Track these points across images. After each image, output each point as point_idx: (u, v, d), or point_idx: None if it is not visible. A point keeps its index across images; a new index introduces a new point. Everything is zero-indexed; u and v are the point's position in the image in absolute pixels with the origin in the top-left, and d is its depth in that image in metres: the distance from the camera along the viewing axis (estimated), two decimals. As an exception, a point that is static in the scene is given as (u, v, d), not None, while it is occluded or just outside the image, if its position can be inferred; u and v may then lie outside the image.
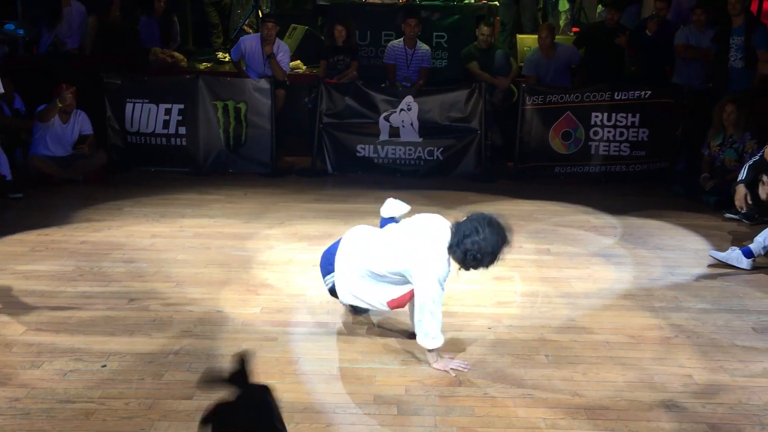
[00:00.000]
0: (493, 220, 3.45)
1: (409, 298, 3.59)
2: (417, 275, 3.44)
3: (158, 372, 3.44)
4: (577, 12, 10.24)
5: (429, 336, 3.47)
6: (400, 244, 3.54)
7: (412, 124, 7.60)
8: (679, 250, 5.48)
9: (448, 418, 3.14)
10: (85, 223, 5.77)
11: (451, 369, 3.51)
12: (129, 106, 7.55)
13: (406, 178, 7.48)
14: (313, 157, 7.71)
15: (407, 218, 3.78)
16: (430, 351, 3.53)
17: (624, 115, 7.53)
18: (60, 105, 6.85)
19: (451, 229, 3.47)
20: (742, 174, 5.36)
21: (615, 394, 3.36)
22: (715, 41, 7.50)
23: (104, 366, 3.48)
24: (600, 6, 10.39)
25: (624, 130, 7.57)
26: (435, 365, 3.53)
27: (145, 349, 3.66)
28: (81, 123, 7.19)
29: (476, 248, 3.37)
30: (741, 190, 5.28)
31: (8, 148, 6.76)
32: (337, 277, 3.70)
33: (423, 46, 8.19)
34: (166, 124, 7.55)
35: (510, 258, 5.12)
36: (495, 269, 4.85)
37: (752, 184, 5.47)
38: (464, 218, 3.49)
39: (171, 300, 4.29)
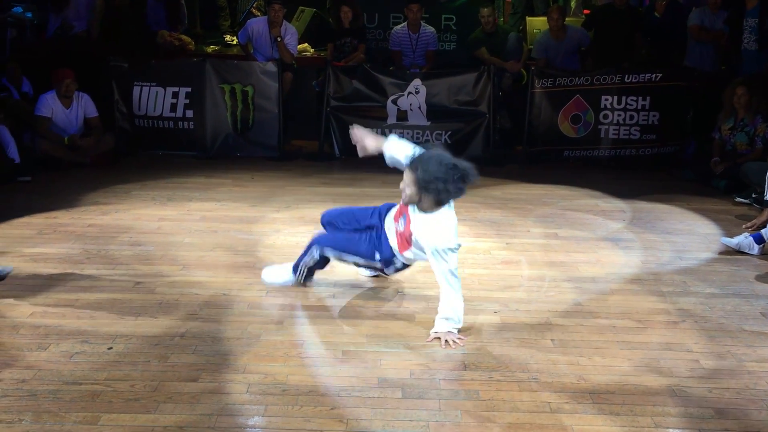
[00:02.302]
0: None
1: None
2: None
3: (164, 354, 3.45)
4: (589, -7, 10.11)
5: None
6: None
7: (420, 108, 7.55)
8: (688, 235, 5.43)
9: (453, 401, 3.13)
10: (93, 207, 5.78)
11: (452, 341, 3.56)
12: (136, 90, 7.55)
13: (414, 161, 7.42)
14: (320, 140, 7.69)
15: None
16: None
17: (634, 98, 7.45)
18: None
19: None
20: None
21: (621, 379, 3.34)
22: (728, 23, 7.39)
23: (110, 348, 3.49)
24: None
25: (634, 114, 7.49)
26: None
27: (151, 332, 3.67)
28: (84, 106, 7.15)
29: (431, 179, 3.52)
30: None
31: (16, 131, 6.77)
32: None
33: (428, 28, 8.10)
34: (173, 107, 7.55)
35: (518, 242, 5.17)
36: (503, 253, 4.91)
37: None
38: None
39: (177, 283, 4.30)
